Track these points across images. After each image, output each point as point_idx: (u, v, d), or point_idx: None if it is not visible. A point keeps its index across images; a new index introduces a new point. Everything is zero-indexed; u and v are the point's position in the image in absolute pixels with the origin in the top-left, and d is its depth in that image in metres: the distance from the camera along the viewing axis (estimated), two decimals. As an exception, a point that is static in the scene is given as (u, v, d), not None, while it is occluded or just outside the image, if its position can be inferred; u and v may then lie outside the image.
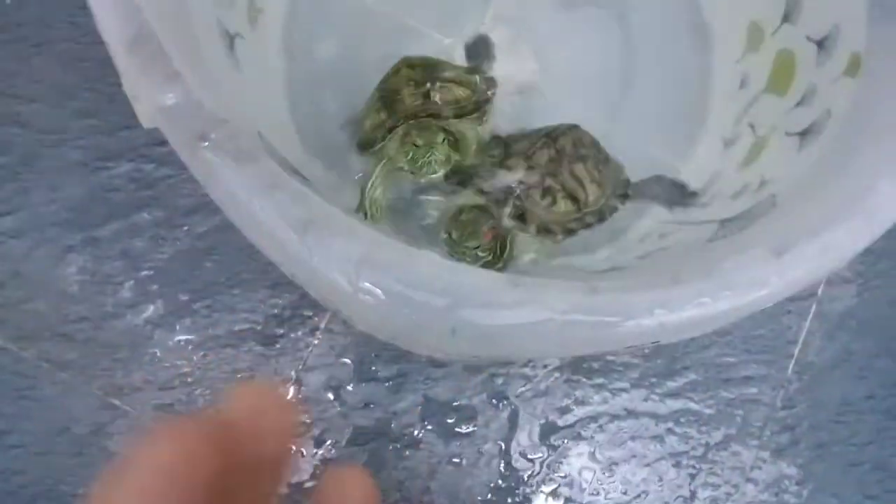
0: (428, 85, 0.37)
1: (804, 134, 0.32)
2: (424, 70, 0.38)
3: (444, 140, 0.37)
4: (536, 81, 0.40)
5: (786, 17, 0.36)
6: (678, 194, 0.38)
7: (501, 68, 0.41)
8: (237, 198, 0.23)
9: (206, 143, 0.22)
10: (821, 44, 0.34)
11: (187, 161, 0.23)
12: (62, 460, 0.41)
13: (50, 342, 0.42)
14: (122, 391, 0.42)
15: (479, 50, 0.41)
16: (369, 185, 0.38)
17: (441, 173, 0.38)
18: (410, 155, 0.37)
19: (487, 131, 0.39)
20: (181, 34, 0.24)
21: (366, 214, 0.38)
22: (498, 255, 0.37)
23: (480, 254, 0.37)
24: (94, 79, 0.45)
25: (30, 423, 0.41)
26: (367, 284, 0.22)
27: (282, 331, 0.43)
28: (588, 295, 0.22)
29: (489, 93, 0.39)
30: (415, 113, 0.37)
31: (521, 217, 0.36)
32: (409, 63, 0.39)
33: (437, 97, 0.38)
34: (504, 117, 0.40)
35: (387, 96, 0.38)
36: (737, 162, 0.37)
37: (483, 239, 0.36)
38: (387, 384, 0.43)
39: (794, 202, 0.28)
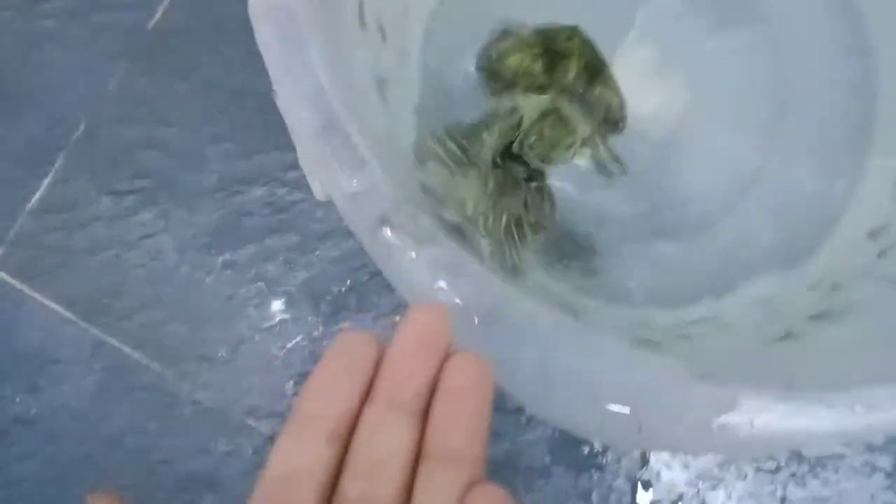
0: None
1: None
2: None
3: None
4: (683, 115, 0.38)
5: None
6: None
7: (650, 99, 0.39)
8: (416, 281, 0.22)
9: (388, 227, 0.22)
10: None
11: (366, 243, 0.23)
12: (202, 479, 0.43)
13: (190, 363, 0.44)
14: (257, 413, 0.43)
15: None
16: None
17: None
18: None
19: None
20: (360, 112, 0.24)
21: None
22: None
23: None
24: (230, 105, 0.46)
25: (172, 440, 0.43)
26: (552, 381, 0.21)
27: (411, 358, 0.43)
28: (787, 391, 0.21)
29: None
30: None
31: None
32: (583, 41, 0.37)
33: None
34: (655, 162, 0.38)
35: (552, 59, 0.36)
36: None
37: None
38: (516, 415, 0.43)
39: None
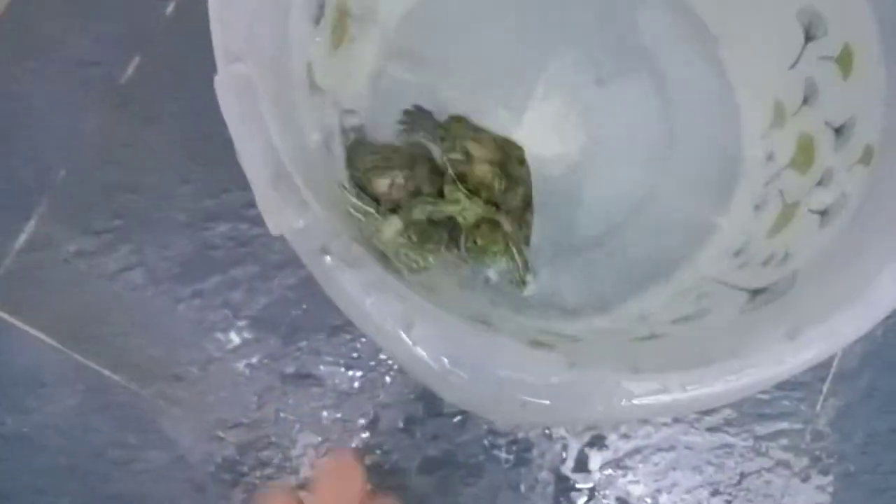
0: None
1: (824, 214, 0.37)
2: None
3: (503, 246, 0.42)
4: (586, 153, 0.46)
5: (805, 101, 0.41)
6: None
7: (552, 144, 0.46)
8: (352, 298, 0.29)
9: (328, 257, 0.28)
10: (838, 131, 0.38)
11: (312, 268, 0.29)
12: (179, 485, 0.48)
13: (165, 382, 0.49)
14: (226, 425, 0.49)
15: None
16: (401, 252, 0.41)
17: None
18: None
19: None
20: (304, 161, 0.30)
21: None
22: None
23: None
24: (196, 149, 0.52)
25: (150, 452, 0.49)
26: (456, 370, 0.28)
27: (361, 372, 0.49)
28: (632, 374, 0.28)
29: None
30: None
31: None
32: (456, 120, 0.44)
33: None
34: (555, 193, 0.45)
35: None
36: (766, 228, 0.41)
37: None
38: (453, 419, 0.49)
39: (810, 283, 0.33)
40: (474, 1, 0.48)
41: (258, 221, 0.51)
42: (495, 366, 0.28)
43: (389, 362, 0.50)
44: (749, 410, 0.49)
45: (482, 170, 0.43)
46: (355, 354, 0.50)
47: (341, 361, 0.50)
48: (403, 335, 0.28)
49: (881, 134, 0.36)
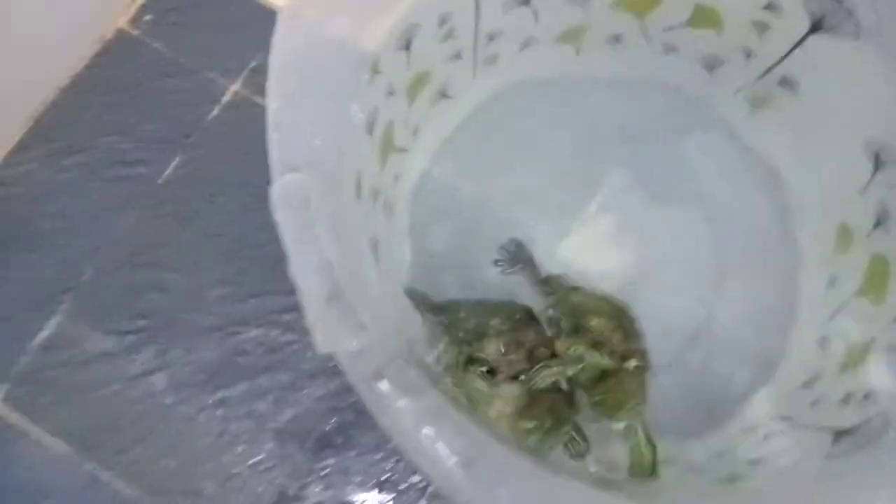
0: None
1: (906, 349, 0.34)
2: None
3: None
4: (636, 275, 0.44)
5: (878, 224, 0.39)
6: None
7: (603, 260, 0.44)
8: (406, 428, 0.26)
9: (383, 382, 0.26)
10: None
11: (363, 393, 0.27)
12: None
13: (181, 497, 0.46)
14: (243, 549, 0.45)
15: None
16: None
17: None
18: None
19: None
20: (360, 280, 0.28)
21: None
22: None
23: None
24: (230, 252, 0.51)
25: (159, 577, 0.44)
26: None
27: (392, 495, 0.46)
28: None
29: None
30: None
31: None
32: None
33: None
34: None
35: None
36: (836, 364, 0.38)
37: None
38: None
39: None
40: (532, 115, 0.48)
41: (291, 327, 0.49)
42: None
43: (423, 484, 0.46)
44: None
45: (598, 323, 0.40)
46: (386, 476, 0.46)
47: (371, 483, 0.46)
48: (461, 473, 0.25)
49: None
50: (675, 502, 0.27)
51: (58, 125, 0.53)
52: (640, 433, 0.38)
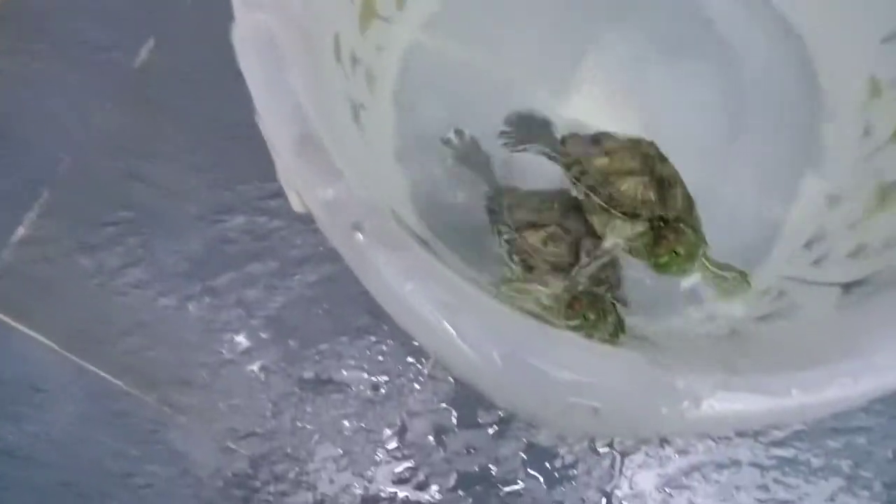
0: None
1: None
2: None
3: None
4: (643, 133, 0.41)
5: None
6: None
7: (605, 122, 0.41)
8: (389, 283, 0.24)
9: (361, 233, 0.24)
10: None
11: (341, 248, 0.25)
12: (184, 501, 0.44)
13: (171, 388, 0.45)
14: (237, 435, 0.44)
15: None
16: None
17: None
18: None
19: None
20: (333, 128, 0.26)
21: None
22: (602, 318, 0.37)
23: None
24: (212, 138, 0.48)
25: (154, 465, 0.44)
26: (511, 368, 0.23)
27: (386, 377, 0.45)
28: (729, 377, 0.23)
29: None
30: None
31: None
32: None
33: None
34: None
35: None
36: (851, 219, 0.36)
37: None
38: (489, 430, 0.44)
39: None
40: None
41: (278, 213, 0.47)
42: (558, 365, 0.23)
43: (419, 366, 0.45)
44: (821, 424, 0.44)
45: (630, 185, 0.37)
46: (381, 358, 0.45)
47: (365, 366, 0.45)
48: (448, 326, 0.24)
49: None
50: (682, 353, 0.26)
51: (20, 11, 0.50)
52: (712, 269, 0.37)
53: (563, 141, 0.41)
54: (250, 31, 0.25)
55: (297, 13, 0.27)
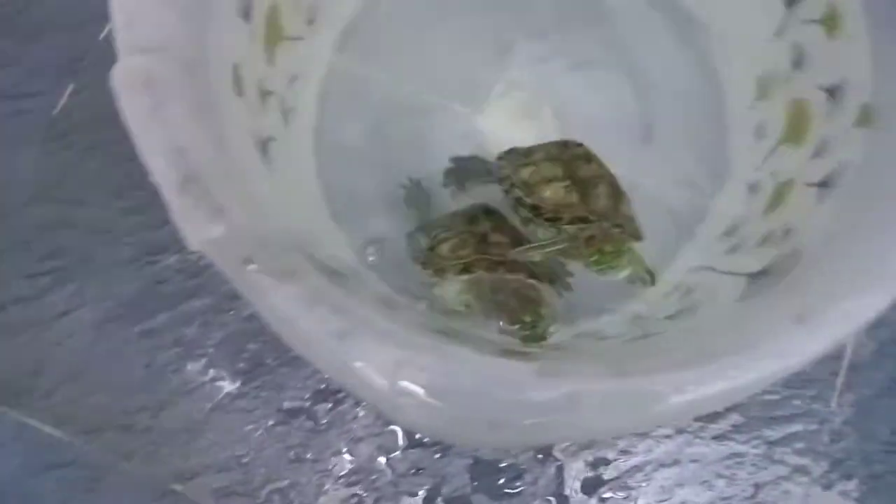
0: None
1: (822, 185, 0.33)
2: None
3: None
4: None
5: (794, 66, 0.37)
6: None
7: (523, 133, 0.42)
8: (281, 314, 0.24)
9: (252, 267, 0.24)
10: (831, 92, 0.35)
11: (236, 282, 0.25)
12: (132, 548, 0.43)
13: (113, 434, 0.44)
14: (182, 477, 0.44)
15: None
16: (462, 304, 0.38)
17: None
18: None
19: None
20: (222, 165, 0.26)
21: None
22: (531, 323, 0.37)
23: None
24: (138, 177, 0.47)
25: (99, 513, 0.44)
26: (405, 384, 0.23)
27: (329, 405, 0.45)
28: (615, 380, 0.24)
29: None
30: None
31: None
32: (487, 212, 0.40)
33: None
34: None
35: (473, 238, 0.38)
36: (761, 207, 0.37)
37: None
38: (434, 448, 0.44)
39: (818, 258, 0.29)
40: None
41: (209, 250, 0.47)
42: (455, 383, 0.24)
43: (360, 392, 0.45)
44: (757, 414, 0.45)
45: (552, 190, 0.38)
46: (322, 386, 0.45)
47: (307, 395, 0.45)
48: (340, 351, 0.24)
49: (876, 94, 0.32)
50: (579, 360, 0.26)
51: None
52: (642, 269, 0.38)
53: (500, 158, 0.42)
54: (129, 75, 0.25)
55: (182, 53, 0.28)
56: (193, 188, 0.24)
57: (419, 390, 0.24)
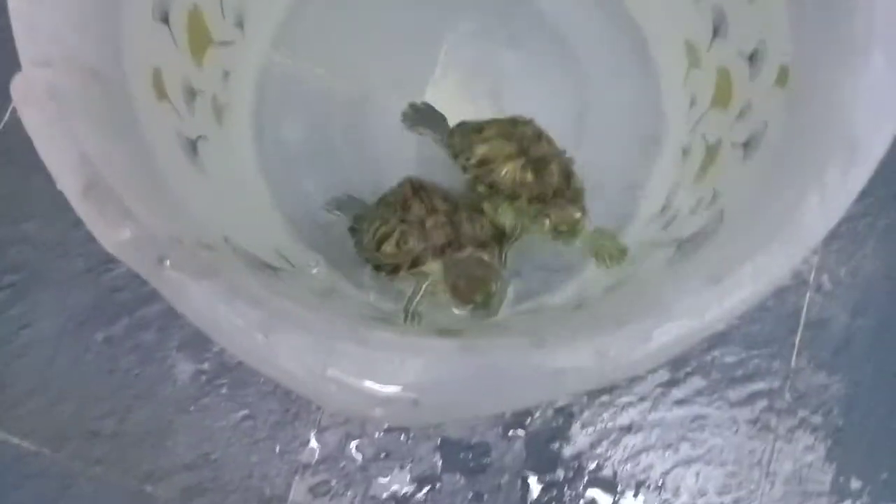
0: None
1: (746, 145, 0.33)
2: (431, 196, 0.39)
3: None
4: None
5: (716, 33, 0.37)
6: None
7: (459, 114, 0.42)
8: (200, 310, 0.25)
9: (167, 265, 0.24)
10: (751, 57, 0.35)
11: (153, 283, 0.25)
12: (107, 553, 0.44)
13: (80, 441, 0.45)
14: (153, 478, 0.44)
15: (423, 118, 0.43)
16: (413, 303, 0.38)
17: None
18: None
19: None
20: (133, 169, 0.26)
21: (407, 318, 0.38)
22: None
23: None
24: (85, 188, 0.48)
25: (72, 521, 0.44)
26: (331, 372, 0.24)
27: (293, 397, 0.45)
28: (533, 350, 0.24)
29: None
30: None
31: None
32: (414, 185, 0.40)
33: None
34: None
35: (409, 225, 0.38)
36: (693, 171, 0.38)
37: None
38: (401, 432, 0.45)
39: (737, 219, 0.29)
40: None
41: (163, 253, 0.47)
42: (376, 368, 0.24)
43: (322, 383, 0.45)
44: (718, 376, 0.45)
45: (508, 168, 0.38)
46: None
47: (273, 388, 0.45)
48: (265, 345, 0.24)
49: (793, 54, 0.32)
50: (506, 333, 0.26)
51: None
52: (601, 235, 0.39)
53: (451, 133, 0.42)
54: (29, 86, 0.25)
55: (88, 61, 0.28)
56: (97, 194, 0.24)
57: (343, 377, 0.24)
